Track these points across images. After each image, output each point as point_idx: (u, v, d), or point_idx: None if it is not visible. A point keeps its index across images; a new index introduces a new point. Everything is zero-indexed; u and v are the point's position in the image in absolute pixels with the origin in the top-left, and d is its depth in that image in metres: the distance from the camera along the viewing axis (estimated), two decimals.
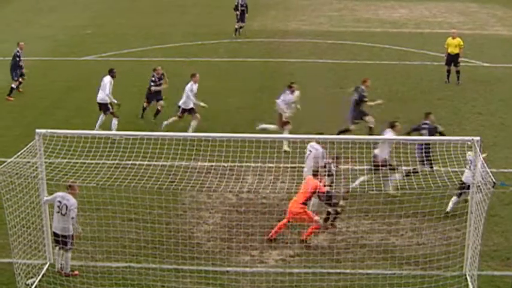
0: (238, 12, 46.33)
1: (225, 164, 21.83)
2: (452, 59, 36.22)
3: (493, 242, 20.61)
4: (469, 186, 21.16)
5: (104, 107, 28.55)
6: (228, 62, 40.36)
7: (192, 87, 28.47)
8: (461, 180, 21.52)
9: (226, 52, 42.68)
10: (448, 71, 36.39)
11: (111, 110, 28.46)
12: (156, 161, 21.27)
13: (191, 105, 28.51)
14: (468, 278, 18.32)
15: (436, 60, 39.94)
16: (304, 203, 19.96)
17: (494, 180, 17.75)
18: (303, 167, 22.35)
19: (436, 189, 20.07)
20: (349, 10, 55.95)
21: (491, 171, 18.26)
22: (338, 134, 26.27)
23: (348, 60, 40.70)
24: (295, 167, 23.05)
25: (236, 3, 46.39)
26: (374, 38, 46.40)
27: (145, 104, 30.41)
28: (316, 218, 20.10)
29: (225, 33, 46.70)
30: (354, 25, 50.79)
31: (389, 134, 23.17)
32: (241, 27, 46.78)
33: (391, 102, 32.07)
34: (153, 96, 30.23)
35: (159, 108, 30.03)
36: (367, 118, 27.88)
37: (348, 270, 18.59)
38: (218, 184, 21.18)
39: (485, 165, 18.15)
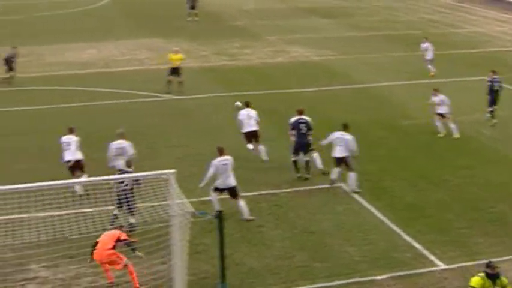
0: None
1: None
2: (175, 71, 42.71)
3: (199, 270, 21.05)
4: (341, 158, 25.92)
5: None
6: None
7: None
8: (334, 157, 26.53)
9: None
10: (169, 82, 42.40)
11: None
12: None
13: None
14: None
15: (127, 97, 40.47)
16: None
17: (193, 209, 18.16)
18: None
19: (140, 226, 20.17)
20: (36, 55, 54.67)
21: (190, 201, 18.59)
22: None
23: (41, 106, 39.89)
24: None
25: None
26: (63, 81, 45.80)
27: None
28: (125, 259, 19.63)
29: None
30: (42, 70, 49.77)
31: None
32: None
33: (87, 144, 31.54)
34: None
35: None
36: None
37: None
38: None
39: (182, 195, 18.49)
